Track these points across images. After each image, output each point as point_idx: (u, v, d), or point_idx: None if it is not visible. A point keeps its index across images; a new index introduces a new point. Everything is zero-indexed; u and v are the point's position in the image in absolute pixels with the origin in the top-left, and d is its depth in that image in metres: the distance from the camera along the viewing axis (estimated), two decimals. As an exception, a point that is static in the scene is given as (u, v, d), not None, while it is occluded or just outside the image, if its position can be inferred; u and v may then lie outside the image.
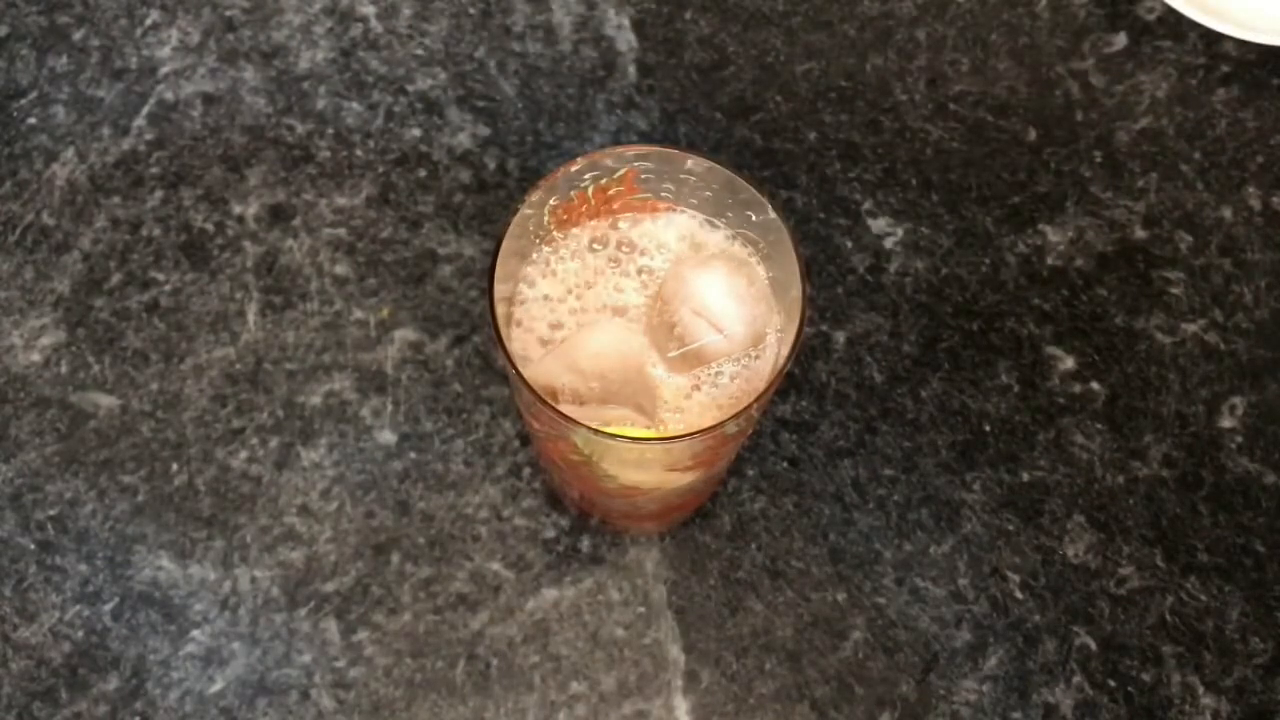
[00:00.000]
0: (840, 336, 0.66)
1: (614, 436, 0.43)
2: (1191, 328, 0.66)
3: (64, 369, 0.64)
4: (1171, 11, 0.73)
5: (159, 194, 0.68)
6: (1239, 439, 0.64)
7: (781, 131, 0.70)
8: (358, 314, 0.66)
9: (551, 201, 0.47)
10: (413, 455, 0.63)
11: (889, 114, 0.71)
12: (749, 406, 0.43)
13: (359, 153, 0.69)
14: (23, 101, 0.70)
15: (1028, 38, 0.73)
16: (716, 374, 0.47)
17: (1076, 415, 0.64)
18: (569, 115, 0.70)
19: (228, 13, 0.73)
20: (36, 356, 0.65)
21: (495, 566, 0.61)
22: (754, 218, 0.48)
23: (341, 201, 0.68)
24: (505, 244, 0.45)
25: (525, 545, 0.61)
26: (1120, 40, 0.73)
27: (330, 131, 0.70)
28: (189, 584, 0.61)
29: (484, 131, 0.70)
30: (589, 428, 0.42)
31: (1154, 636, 0.60)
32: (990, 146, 0.70)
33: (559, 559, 0.61)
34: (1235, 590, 0.61)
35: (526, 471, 0.63)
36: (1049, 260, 0.68)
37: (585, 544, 0.62)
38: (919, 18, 0.74)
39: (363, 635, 0.60)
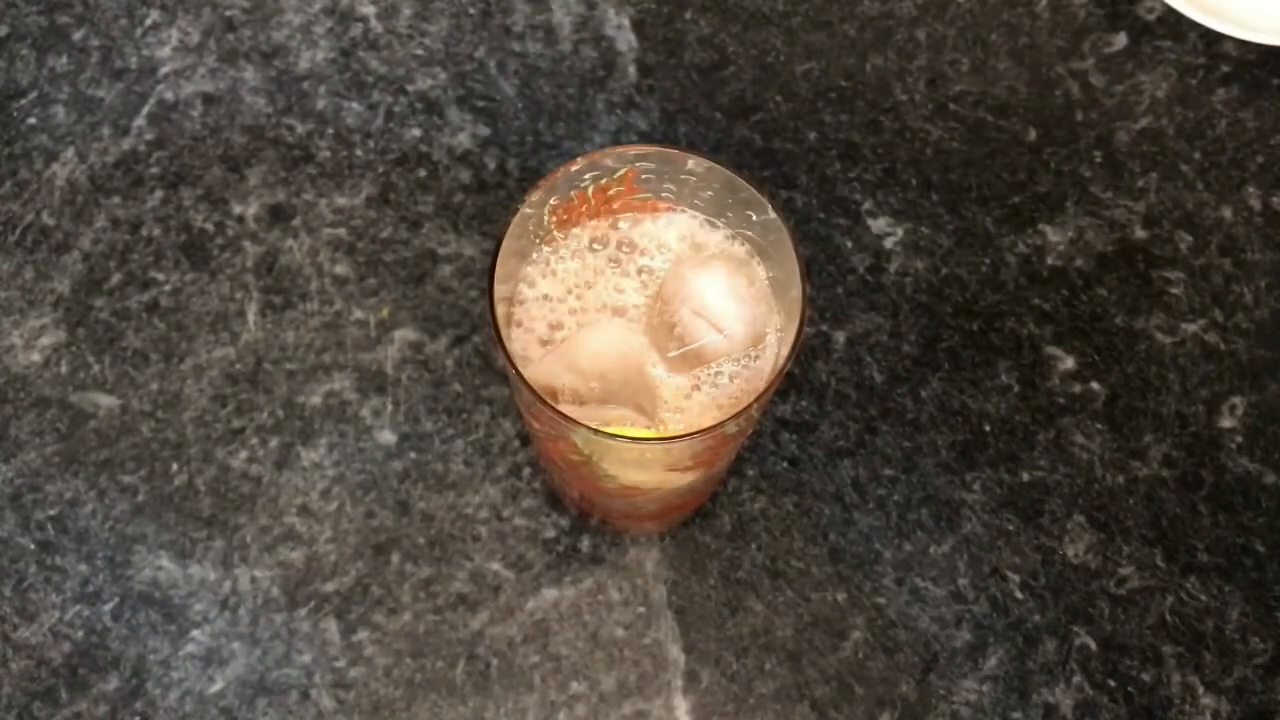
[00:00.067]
0: (840, 336, 0.66)
1: (614, 436, 0.43)
2: (1191, 328, 0.66)
3: (64, 369, 0.64)
4: (1171, 11, 0.73)
5: (159, 194, 0.68)
6: (1239, 439, 0.64)
7: (781, 131, 0.70)
8: (358, 314, 0.66)
9: (551, 201, 0.47)
10: (413, 455, 0.63)
11: (889, 114, 0.71)
12: (749, 406, 0.43)
13: (359, 153, 0.69)
14: (23, 101, 0.70)
15: (1028, 38, 0.73)
16: (716, 374, 0.47)
17: (1076, 415, 0.64)
18: (569, 115, 0.70)
19: (228, 13, 0.73)
20: (36, 356, 0.65)
21: (495, 566, 0.61)
22: (754, 218, 0.48)
23: (341, 201, 0.68)
24: (505, 244, 0.45)
25: (525, 545, 0.61)
26: (1120, 40, 0.73)
27: (330, 131, 0.70)
28: (189, 584, 0.61)
29: (484, 131, 0.70)
30: (589, 428, 0.42)
31: (1154, 636, 0.60)
32: (990, 146, 0.70)
33: (559, 559, 0.61)
34: (1235, 590, 0.61)
35: (526, 471, 0.63)
36: (1049, 260, 0.68)
37: (585, 544, 0.62)
38: (919, 18, 0.74)
39: (363, 635, 0.60)
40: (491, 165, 0.69)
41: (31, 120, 0.70)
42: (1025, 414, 0.64)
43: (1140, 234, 0.68)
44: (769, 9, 0.74)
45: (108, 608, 0.60)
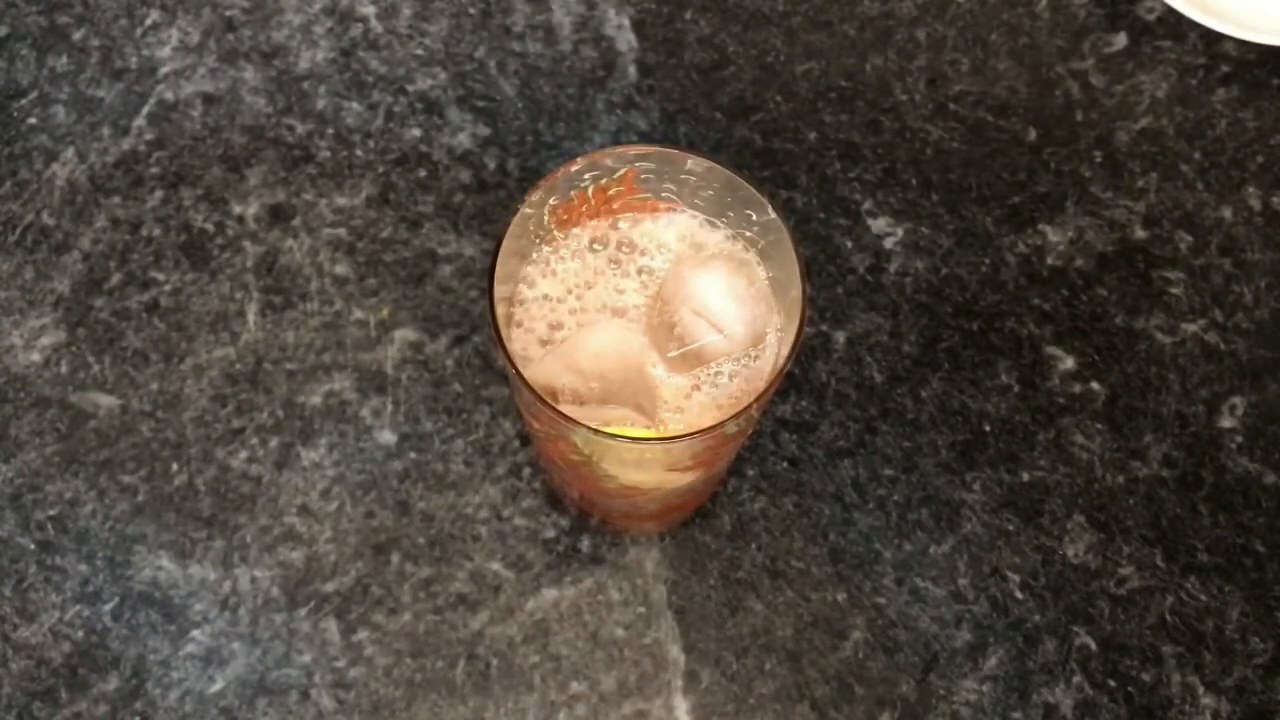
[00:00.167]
0: (840, 336, 0.66)
1: (614, 436, 0.43)
2: (1191, 328, 0.66)
3: (64, 369, 0.64)
4: (1171, 11, 0.73)
5: (159, 194, 0.68)
6: (1239, 439, 0.64)
7: (781, 131, 0.70)
8: (358, 314, 0.66)
9: (551, 201, 0.47)
10: (413, 455, 0.63)
11: (889, 114, 0.71)
12: (749, 406, 0.43)
13: (359, 153, 0.69)
14: (23, 101, 0.70)
15: (1028, 38, 0.73)
16: (716, 374, 0.47)
17: (1076, 415, 0.64)
18: (569, 115, 0.70)
19: (228, 13, 0.73)
20: (36, 356, 0.65)
21: (495, 566, 0.61)
22: (754, 218, 0.48)
23: (341, 201, 0.68)
24: (505, 244, 0.45)
25: (525, 545, 0.61)
26: (1120, 40, 0.73)
27: (330, 131, 0.70)
28: (189, 584, 0.61)
29: (484, 131, 0.70)
30: (589, 428, 0.42)
31: (1154, 636, 0.60)
32: (990, 146, 0.70)
33: (559, 559, 0.61)
34: (1235, 590, 0.61)
35: (526, 471, 0.63)
36: (1049, 260, 0.68)
37: (585, 544, 0.62)
38: (919, 18, 0.74)
39: (363, 635, 0.60)
40: (491, 165, 0.69)
41: (31, 120, 0.70)
42: (1025, 414, 0.64)
43: (1140, 234, 0.68)
44: (769, 9, 0.74)
45: (108, 608, 0.60)
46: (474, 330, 0.65)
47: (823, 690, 0.59)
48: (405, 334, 0.65)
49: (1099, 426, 0.64)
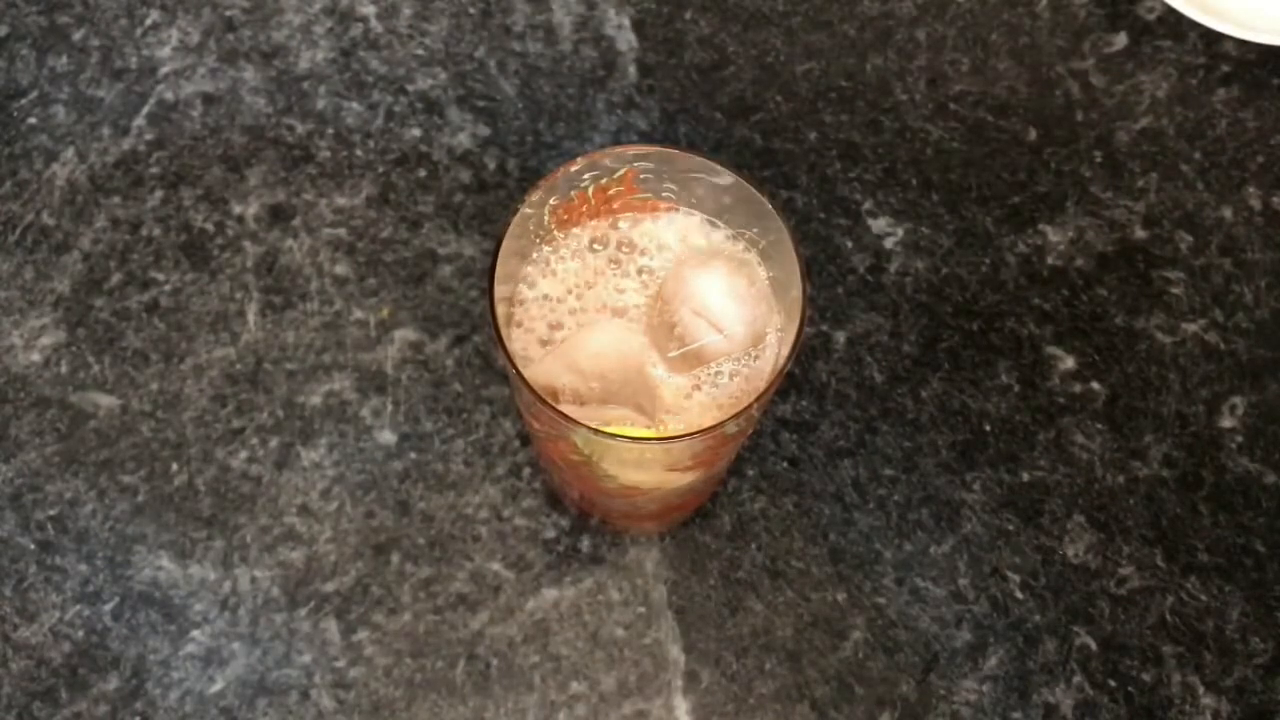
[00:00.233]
0: (840, 336, 0.66)
1: (614, 436, 0.43)
2: (1192, 327, 0.66)
3: (64, 369, 0.64)
4: (1171, 11, 0.73)
5: (159, 194, 0.68)
6: (1239, 439, 0.64)
7: (782, 131, 0.70)
8: (358, 314, 0.66)
9: (551, 201, 0.47)
10: (413, 455, 0.63)
11: (889, 114, 0.71)
12: (749, 406, 0.43)
13: (359, 153, 0.69)
14: (23, 101, 0.70)
15: (1028, 38, 0.73)
16: (716, 374, 0.47)
17: (1077, 415, 0.64)
18: (569, 115, 0.70)
19: (228, 13, 0.73)
20: (36, 356, 0.65)
21: (495, 566, 0.61)
22: (754, 217, 0.48)
23: (341, 201, 0.68)
24: (505, 244, 0.45)
25: (525, 545, 0.61)
26: (1120, 40, 0.73)
27: (330, 131, 0.70)
28: (189, 584, 0.61)
29: (484, 131, 0.70)
30: (589, 428, 0.42)
31: (1154, 636, 0.60)
32: (990, 146, 0.70)
33: (559, 559, 0.61)
34: (1235, 590, 0.61)
35: (526, 471, 0.63)
36: (1049, 260, 0.68)
37: (585, 544, 0.62)
38: (919, 18, 0.74)
39: (363, 635, 0.60)
40: (491, 165, 0.69)
41: (31, 120, 0.70)
42: (1025, 414, 0.64)
43: (1140, 234, 0.68)
44: (769, 9, 0.74)
45: (108, 608, 0.60)
46: (474, 330, 0.65)
47: (823, 690, 0.59)
48: (405, 334, 0.65)
49: (1099, 426, 0.64)
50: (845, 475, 0.63)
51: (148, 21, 0.73)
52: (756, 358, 0.48)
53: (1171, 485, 0.63)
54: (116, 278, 0.66)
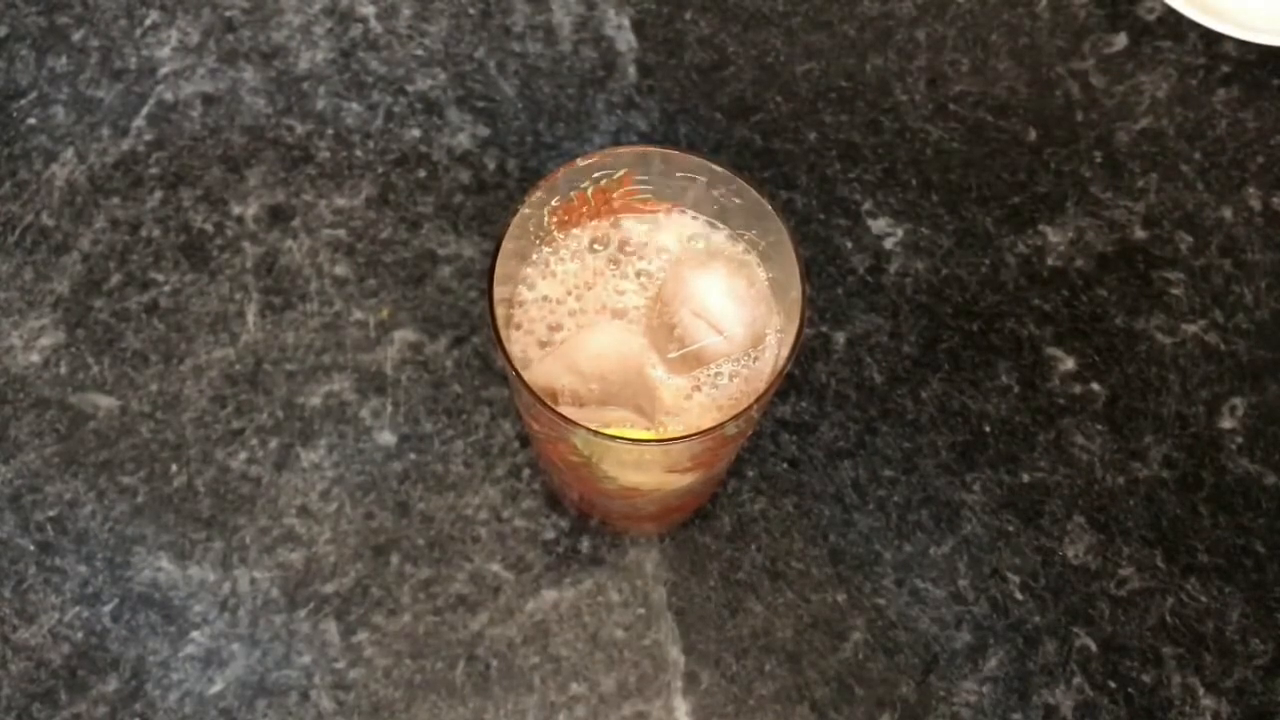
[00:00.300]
0: (840, 337, 0.66)
1: (613, 438, 0.43)
2: (1192, 328, 0.66)
3: (63, 370, 0.64)
4: (1171, 12, 0.73)
5: (158, 194, 0.68)
6: (1239, 440, 0.64)
7: (781, 132, 0.70)
8: (357, 315, 0.66)
9: (551, 202, 0.47)
10: (412, 456, 0.63)
11: (889, 114, 0.71)
12: (749, 408, 0.43)
13: (358, 153, 0.69)
14: (22, 102, 0.70)
15: (1028, 38, 0.73)
16: (716, 375, 0.47)
17: (1077, 416, 0.64)
18: (569, 116, 0.70)
19: (227, 13, 0.73)
20: (36, 357, 0.65)
21: (495, 568, 0.61)
22: (754, 218, 0.47)
23: (341, 202, 0.68)
24: (505, 245, 0.45)
25: (525, 546, 0.61)
26: (1120, 40, 0.73)
27: (330, 132, 0.70)
28: (188, 585, 0.60)
29: (484, 132, 0.70)
30: (588, 429, 0.42)
31: (1154, 638, 0.60)
32: (990, 147, 0.70)
33: (559, 560, 0.61)
34: (1235, 591, 0.61)
35: (526, 473, 0.63)
36: (1049, 261, 0.68)
37: (585, 545, 0.62)
38: (919, 18, 0.74)
39: (362, 636, 0.60)
40: (491, 166, 0.69)
41: (31, 121, 0.70)
42: (1025, 415, 0.64)
43: (1140, 234, 0.68)
44: (769, 9, 0.73)
45: (107, 609, 0.60)
46: (473, 331, 0.65)
47: (823, 691, 0.59)
48: (405, 335, 0.65)
49: (1099, 427, 0.64)
50: (845, 476, 0.63)
51: (147, 22, 0.73)
52: (756, 359, 0.48)
53: (1171, 486, 0.63)
54: (116, 278, 0.66)
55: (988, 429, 0.64)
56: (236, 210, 0.68)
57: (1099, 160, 0.70)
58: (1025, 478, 0.63)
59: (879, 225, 0.68)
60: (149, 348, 0.65)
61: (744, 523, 0.62)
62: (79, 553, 0.61)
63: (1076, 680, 0.60)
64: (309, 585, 0.60)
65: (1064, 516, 0.62)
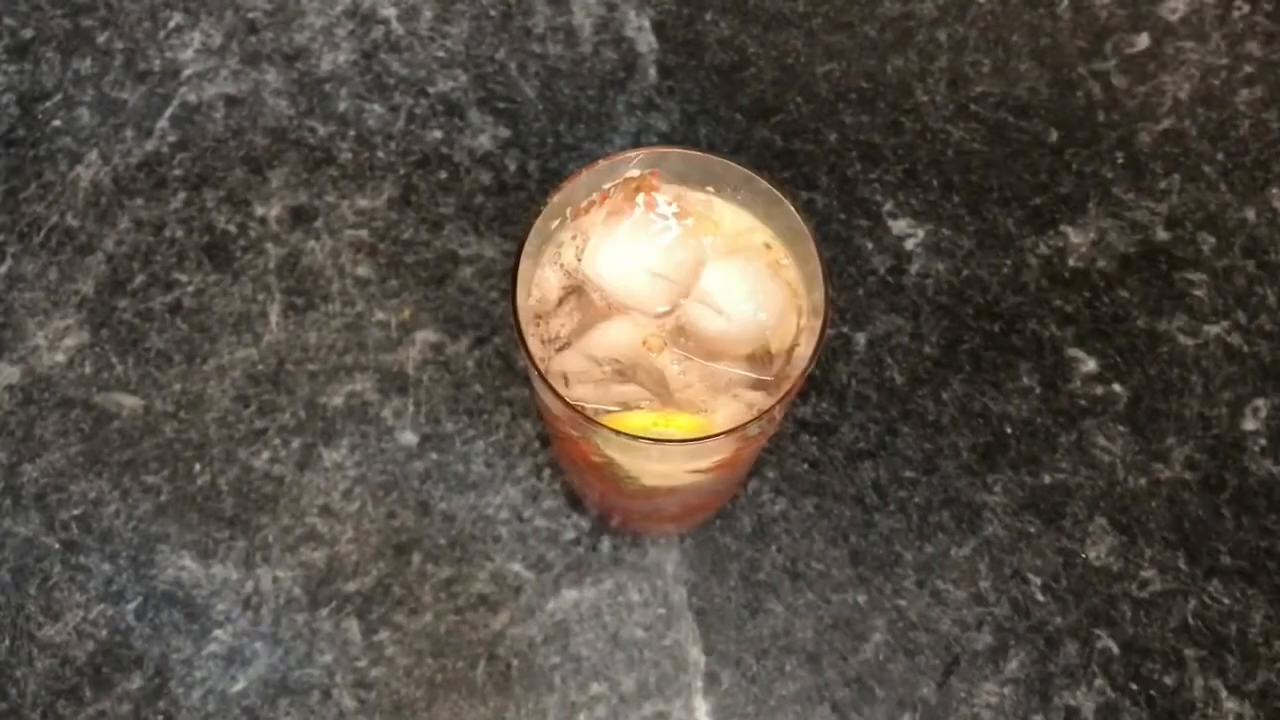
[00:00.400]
0: (861, 338, 0.65)
1: (635, 438, 0.43)
2: (1214, 329, 0.66)
3: (88, 369, 0.65)
4: (1194, 12, 0.73)
5: (182, 195, 0.69)
6: (1262, 441, 0.64)
7: (802, 133, 0.70)
8: (379, 315, 0.66)
9: (573, 203, 0.47)
10: (434, 456, 0.63)
11: (910, 115, 0.71)
12: (771, 408, 0.43)
13: (380, 154, 0.70)
14: (47, 104, 0.71)
15: (1049, 39, 0.73)
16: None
17: (1098, 417, 0.64)
18: (589, 117, 0.71)
19: (250, 15, 0.73)
20: (61, 357, 0.65)
21: (516, 567, 0.61)
22: (775, 219, 0.48)
23: (363, 203, 0.68)
24: (527, 245, 0.45)
25: (546, 546, 0.62)
26: (1143, 41, 0.73)
27: (352, 133, 0.70)
28: (211, 583, 0.61)
29: (505, 133, 0.70)
30: (610, 429, 0.42)
31: (1176, 640, 0.60)
32: (1012, 148, 0.70)
33: (579, 560, 0.61)
34: (1258, 593, 0.61)
35: (547, 473, 0.63)
36: (1071, 262, 0.67)
37: (605, 545, 0.62)
38: (940, 19, 0.73)
39: (384, 635, 0.60)
40: (512, 167, 0.69)
41: (56, 123, 0.70)
42: (1047, 416, 0.64)
43: (1162, 235, 0.68)
44: (790, 10, 0.74)
45: (131, 607, 0.60)
46: (495, 331, 0.65)
47: (843, 692, 0.59)
48: (426, 335, 0.65)
49: (1121, 429, 0.64)
50: (866, 477, 0.63)
51: (171, 24, 0.73)
52: (775, 357, 0.48)
53: (1194, 488, 0.63)
54: (140, 279, 0.67)
55: (1009, 430, 0.64)
56: (259, 211, 0.68)
57: (1121, 161, 0.70)
58: (1047, 479, 0.63)
59: (900, 226, 0.68)
60: (172, 348, 0.65)
61: (764, 523, 0.62)
62: (103, 551, 0.61)
63: (1098, 682, 0.59)
64: (331, 584, 0.61)
65: (1086, 518, 0.62)
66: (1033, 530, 0.62)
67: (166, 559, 0.61)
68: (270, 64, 0.72)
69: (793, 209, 0.46)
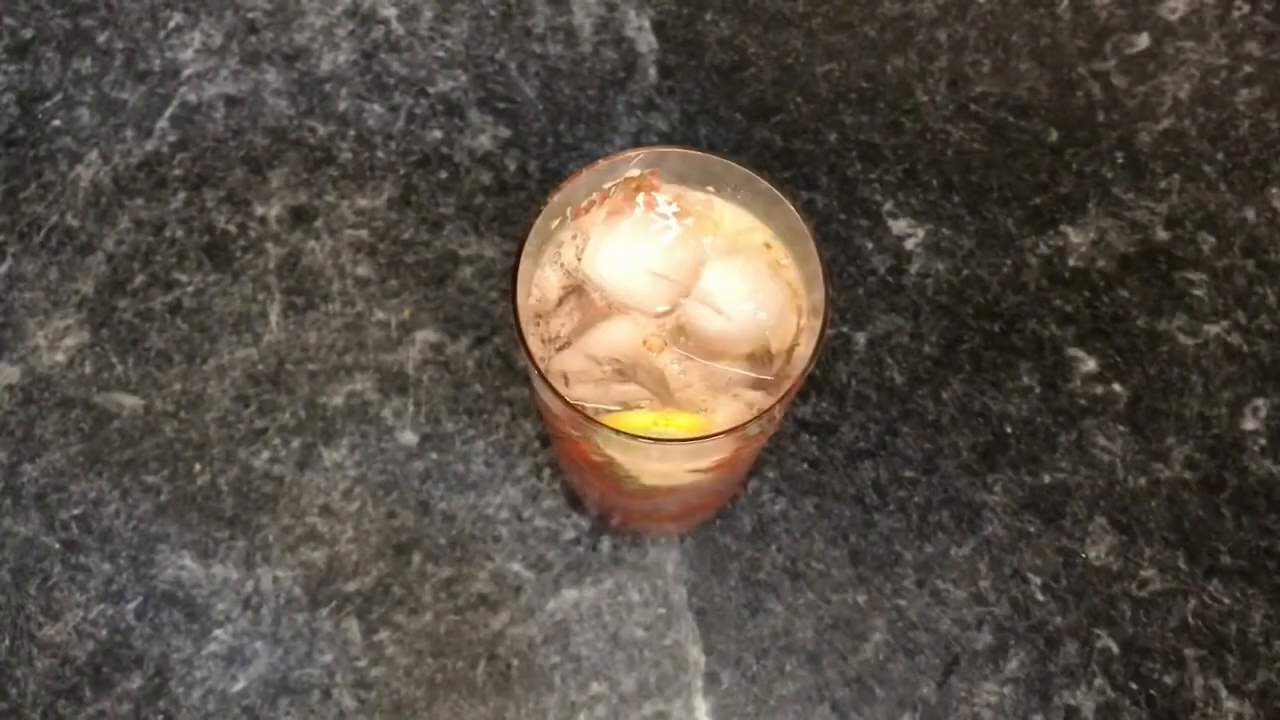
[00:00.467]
0: (861, 338, 0.65)
1: (636, 437, 0.43)
2: (1214, 329, 0.66)
3: (88, 369, 0.65)
4: (1194, 12, 0.73)
5: (182, 195, 0.69)
6: (1262, 441, 0.64)
7: (802, 133, 0.70)
8: (379, 315, 0.66)
9: (573, 203, 0.47)
10: (434, 456, 0.63)
11: (910, 115, 0.71)
12: (771, 408, 0.43)
13: (380, 154, 0.70)
14: (47, 104, 0.71)
15: (1049, 38, 0.73)
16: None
17: (1098, 417, 0.64)
18: (589, 117, 0.71)
19: (250, 15, 0.73)
20: (61, 357, 0.65)
21: (516, 567, 0.61)
22: (775, 219, 0.48)
23: (363, 203, 0.68)
24: (527, 245, 0.45)
25: (546, 546, 0.62)
26: (1142, 41, 0.73)
27: (352, 133, 0.70)
28: (211, 583, 0.61)
29: (505, 133, 0.70)
30: (610, 428, 0.42)
31: (1176, 639, 0.60)
32: (1012, 147, 0.70)
33: (579, 560, 0.61)
34: (1258, 593, 0.61)
35: (547, 472, 0.63)
36: (1071, 261, 0.67)
37: (605, 545, 0.62)
38: (940, 19, 0.74)
39: (384, 635, 0.60)
40: (512, 167, 0.69)
41: (56, 122, 0.70)
42: (1047, 416, 0.64)
43: (1162, 235, 0.68)
44: (789, 10, 0.74)
45: (131, 607, 0.60)
46: (494, 331, 0.65)
47: (843, 692, 0.59)
48: (426, 335, 0.65)
49: (1121, 428, 0.64)
50: (866, 477, 0.63)
51: (171, 24, 0.73)
52: (774, 356, 0.48)
53: (1194, 487, 0.63)
54: (140, 279, 0.67)
55: (1009, 430, 0.64)
56: (259, 211, 0.68)
57: (1121, 161, 0.70)
58: (1046, 479, 0.63)
59: (900, 226, 0.68)
60: (172, 347, 0.65)
61: (764, 523, 0.62)
62: (103, 551, 0.61)
63: (1098, 682, 0.59)
64: (331, 584, 0.61)
65: (1085, 518, 0.62)
66: (1033, 530, 0.62)
67: (166, 559, 0.61)
68: (270, 64, 0.72)
69: (793, 209, 0.46)
